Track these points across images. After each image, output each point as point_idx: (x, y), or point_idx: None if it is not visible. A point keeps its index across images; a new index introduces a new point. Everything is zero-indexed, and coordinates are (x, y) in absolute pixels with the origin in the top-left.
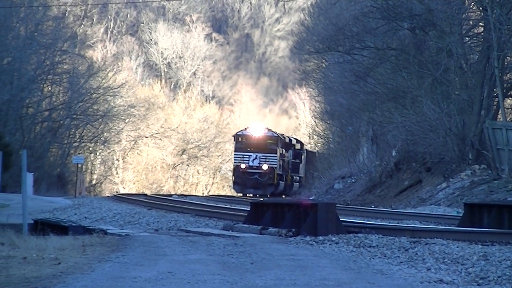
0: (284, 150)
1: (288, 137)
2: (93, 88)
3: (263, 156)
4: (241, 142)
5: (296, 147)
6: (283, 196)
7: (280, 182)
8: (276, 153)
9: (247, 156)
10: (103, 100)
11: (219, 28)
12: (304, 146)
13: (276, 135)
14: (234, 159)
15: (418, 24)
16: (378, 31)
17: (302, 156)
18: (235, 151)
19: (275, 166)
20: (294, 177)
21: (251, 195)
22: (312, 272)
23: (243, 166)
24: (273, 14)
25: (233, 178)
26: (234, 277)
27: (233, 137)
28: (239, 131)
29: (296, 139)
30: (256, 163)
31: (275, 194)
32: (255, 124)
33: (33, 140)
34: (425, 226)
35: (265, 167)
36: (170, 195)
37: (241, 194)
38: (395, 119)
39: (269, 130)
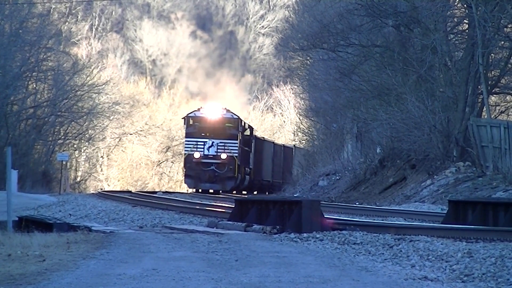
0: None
1: (242, 120)
2: (77, 85)
3: (221, 142)
4: (194, 126)
5: (246, 133)
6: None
7: (239, 174)
8: (237, 139)
9: (202, 143)
10: (87, 97)
11: (204, 25)
12: (254, 131)
13: (236, 117)
14: (185, 147)
15: (402, 21)
16: (363, 28)
17: (252, 144)
18: (186, 137)
19: (236, 155)
20: (246, 168)
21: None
22: (297, 269)
23: (196, 155)
24: (257, 11)
25: (184, 170)
26: (219, 274)
27: (183, 120)
28: (191, 112)
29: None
30: (212, 151)
31: (234, 190)
32: (210, 104)
33: (17, 137)
34: (410, 223)
35: (223, 156)
36: (155, 192)
37: (193, 190)
38: (379, 116)
39: (228, 111)
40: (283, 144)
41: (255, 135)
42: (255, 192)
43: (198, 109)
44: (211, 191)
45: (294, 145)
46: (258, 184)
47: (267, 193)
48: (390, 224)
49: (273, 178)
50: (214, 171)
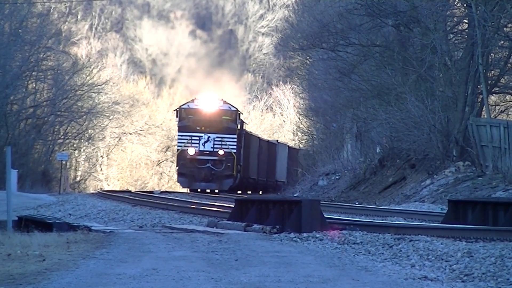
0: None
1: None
2: (77, 85)
3: (218, 137)
4: (187, 119)
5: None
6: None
7: (236, 173)
8: (235, 134)
9: (197, 138)
10: (87, 97)
11: (203, 25)
12: (244, 125)
13: (234, 108)
14: (178, 142)
15: (402, 21)
16: (363, 28)
17: (243, 139)
18: (179, 131)
19: (234, 151)
20: (238, 166)
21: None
22: (297, 268)
23: (191, 151)
24: (257, 10)
25: (177, 167)
26: (219, 273)
27: (175, 112)
28: (184, 104)
29: None
30: (208, 147)
31: (232, 189)
32: (205, 94)
33: (17, 137)
34: (410, 223)
35: (221, 152)
36: (152, 192)
37: (188, 190)
38: (379, 116)
39: (225, 102)
40: (268, 140)
41: (245, 129)
42: (239, 192)
43: (192, 100)
44: (199, 190)
45: (277, 140)
46: (245, 183)
47: (249, 193)
48: (390, 223)
49: (259, 176)
50: (211, 169)
